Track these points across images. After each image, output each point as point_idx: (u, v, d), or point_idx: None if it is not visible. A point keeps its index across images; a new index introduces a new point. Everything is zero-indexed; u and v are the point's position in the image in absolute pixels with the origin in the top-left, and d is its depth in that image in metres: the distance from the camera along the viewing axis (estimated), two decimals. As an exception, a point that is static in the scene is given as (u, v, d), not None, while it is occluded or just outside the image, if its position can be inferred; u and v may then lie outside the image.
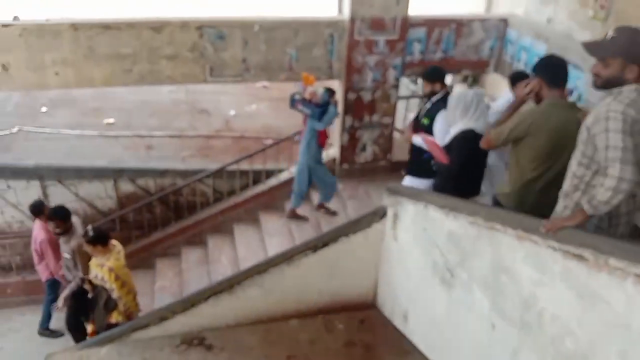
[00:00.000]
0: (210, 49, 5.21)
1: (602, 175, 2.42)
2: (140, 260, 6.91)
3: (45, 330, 5.99)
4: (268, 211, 6.66)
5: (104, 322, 4.49)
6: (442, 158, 3.96)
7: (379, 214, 4.02)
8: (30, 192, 6.66)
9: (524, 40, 5.51)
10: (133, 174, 6.78)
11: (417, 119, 4.61)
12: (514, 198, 3.21)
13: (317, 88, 5.25)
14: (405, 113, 6.78)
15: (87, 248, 4.55)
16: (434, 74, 4.43)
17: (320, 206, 6.09)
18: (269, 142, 7.02)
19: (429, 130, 4.33)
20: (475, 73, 6.20)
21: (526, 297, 2.74)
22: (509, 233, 2.81)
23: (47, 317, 5.97)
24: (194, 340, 3.93)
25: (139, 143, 7.29)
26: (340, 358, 3.83)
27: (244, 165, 6.61)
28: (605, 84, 2.52)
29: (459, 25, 5.78)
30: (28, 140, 7.13)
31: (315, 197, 6.26)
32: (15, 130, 7.28)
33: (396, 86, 5.93)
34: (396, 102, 6.11)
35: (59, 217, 4.93)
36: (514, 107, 3.28)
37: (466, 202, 3.30)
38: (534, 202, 3.06)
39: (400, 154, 4.88)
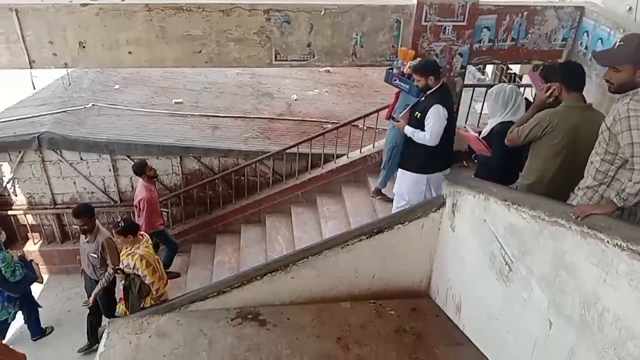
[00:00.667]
0: (277, 33, 5.27)
1: (629, 170, 2.63)
2: (202, 236, 7.19)
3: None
4: (325, 194, 6.73)
5: (138, 307, 4.70)
6: (484, 151, 4.00)
7: (437, 204, 3.99)
8: (101, 165, 7.02)
9: (601, 31, 5.22)
10: (198, 152, 7.02)
11: (413, 110, 4.61)
12: (534, 190, 3.42)
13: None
14: (471, 102, 6.60)
15: (118, 239, 4.84)
16: (428, 68, 4.43)
17: (377, 192, 6.07)
18: (329, 126, 7.06)
19: (421, 123, 4.39)
20: (546, 63, 5.94)
21: (587, 296, 2.65)
22: (573, 229, 2.72)
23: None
24: (249, 315, 4.06)
25: (205, 123, 7.52)
26: (390, 344, 3.85)
27: (304, 149, 6.69)
28: (618, 89, 2.75)
29: (531, 13, 5.55)
30: (101, 116, 7.49)
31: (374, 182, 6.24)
32: (89, 105, 7.66)
33: (462, 74, 5.79)
34: (461, 91, 5.96)
35: (86, 215, 5.10)
36: (535, 108, 3.49)
37: (529, 195, 3.21)
38: (551, 194, 3.19)
39: (458, 144, 4.82)
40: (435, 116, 4.34)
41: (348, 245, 3.97)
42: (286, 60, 5.47)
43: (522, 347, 3.18)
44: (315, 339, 3.85)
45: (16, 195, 7.15)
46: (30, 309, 5.91)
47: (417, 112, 4.51)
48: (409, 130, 4.53)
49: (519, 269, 3.15)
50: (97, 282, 5.29)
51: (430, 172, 4.64)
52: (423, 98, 4.52)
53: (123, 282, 4.88)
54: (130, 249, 4.77)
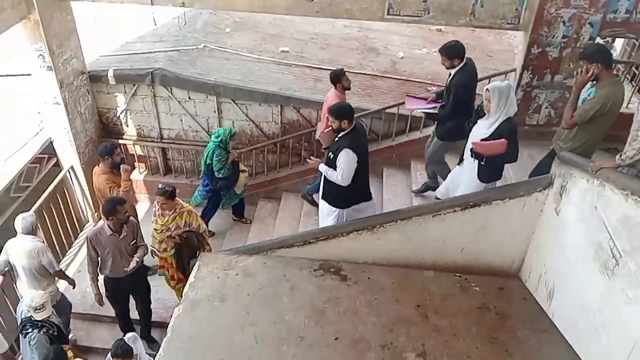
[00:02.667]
0: (393, -15, 5.08)
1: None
2: (293, 185, 7.32)
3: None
4: (420, 160, 6.51)
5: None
6: (502, 149, 4.01)
7: (543, 183, 3.74)
8: (206, 106, 7.28)
9: None
10: (299, 103, 7.05)
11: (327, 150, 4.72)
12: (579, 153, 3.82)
13: None
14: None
15: (165, 203, 4.86)
16: (342, 112, 4.47)
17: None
18: (434, 89, 6.78)
19: (333, 163, 4.47)
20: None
21: None
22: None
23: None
24: (331, 268, 4.11)
25: (308, 74, 7.51)
26: (470, 319, 3.75)
27: (404, 110, 6.50)
28: None
29: (684, -18, 4.90)
30: (210, 58, 7.71)
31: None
32: (201, 46, 7.90)
33: (589, 46, 5.28)
34: (585, 64, 5.46)
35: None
36: (578, 91, 3.97)
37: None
38: (585, 154, 3.80)
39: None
40: (345, 160, 4.41)
41: (440, 214, 3.86)
42: (399, 15, 5.26)
43: (618, 346, 2.96)
44: (394, 302, 3.83)
45: (127, 126, 7.64)
46: (214, 205, 6.68)
47: (330, 153, 4.60)
48: (322, 168, 4.66)
49: (627, 265, 2.89)
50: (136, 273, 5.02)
51: (342, 207, 4.73)
52: (336, 139, 4.58)
53: (165, 251, 5.06)
54: (177, 210, 4.93)
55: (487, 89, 4.15)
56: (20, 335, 4.67)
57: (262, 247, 4.33)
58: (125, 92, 7.26)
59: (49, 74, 6.22)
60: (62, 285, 5.57)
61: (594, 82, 3.90)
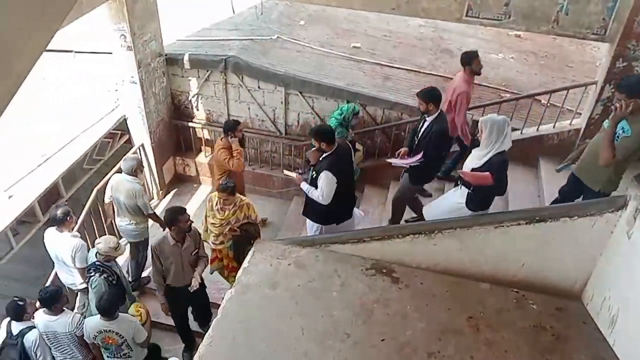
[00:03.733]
0: (473, -14, 4.94)
1: None
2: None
3: None
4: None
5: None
6: (486, 182, 4.16)
7: (616, 204, 3.52)
8: (274, 96, 7.39)
9: None
10: (365, 100, 7.02)
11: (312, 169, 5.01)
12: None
13: None
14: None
15: (227, 199, 4.97)
16: (319, 134, 4.74)
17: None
18: (507, 96, 6.57)
19: (315, 182, 4.76)
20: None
21: None
22: None
23: None
24: (383, 269, 4.06)
25: (377, 72, 7.46)
26: (524, 337, 3.60)
27: (474, 115, 6.33)
28: None
29: None
30: (283, 49, 7.81)
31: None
32: (274, 37, 8.02)
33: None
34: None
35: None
36: (615, 125, 3.89)
37: None
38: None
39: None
40: (324, 181, 4.68)
41: (503, 226, 3.72)
42: (477, 18, 5.12)
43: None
44: (445, 311, 3.74)
45: (197, 110, 7.88)
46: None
47: (314, 172, 4.84)
48: (304, 186, 4.91)
49: None
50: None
51: (322, 224, 5.05)
52: (320, 159, 4.83)
53: (222, 243, 5.16)
54: (237, 204, 5.04)
55: (480, 121, 4.20)
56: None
57: (315, 240, 4.34)
58: (199, 76, 7.48)
59: (128, 53, 6.51)
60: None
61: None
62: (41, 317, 4.68)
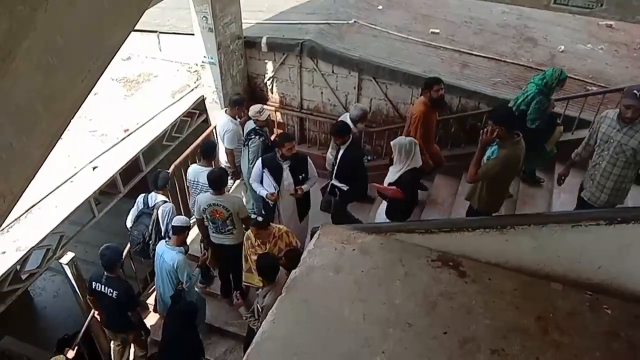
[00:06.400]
0: (564, -30, 4.66)
1: None
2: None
3: None
4: (564, 164, 6.05)
5: None
6: (396, 195, 4.93)
7: None
8: (348, 81, 7.37)
9: None
10: (441, 88, 6.84)
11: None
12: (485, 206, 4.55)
13: None
14: None
15: (258, 233, 4.91)
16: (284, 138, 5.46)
17: None
18: (594, 89, 6.19)
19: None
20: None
21: None
22: None
23: None
24: (450, 262, 3.98)
25: (455, 59, 7.25)
26: (596, 342, 3.43)
27: (557, 108, 6.01)
28: None
29: None
30: (359, 34, 7.76)
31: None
32: (351, 21, 7.97)
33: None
34: None
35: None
36: (482, 149, 4.37)
37: None
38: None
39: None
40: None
41: (581, 226, 3.53)
42: (566, 5, 4.83)
43: None
44: (513, 309, 3.62)
45: (272, 93, 8.01)
46: None
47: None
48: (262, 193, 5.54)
49: None
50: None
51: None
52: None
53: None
54: (274, 234, 4.93)
55: (391, 143, 4.98)
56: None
57: (380, 228, 4.33)
58: (275, 60, 7.60)
59: (209, 35, 6.71)
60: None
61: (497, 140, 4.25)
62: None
